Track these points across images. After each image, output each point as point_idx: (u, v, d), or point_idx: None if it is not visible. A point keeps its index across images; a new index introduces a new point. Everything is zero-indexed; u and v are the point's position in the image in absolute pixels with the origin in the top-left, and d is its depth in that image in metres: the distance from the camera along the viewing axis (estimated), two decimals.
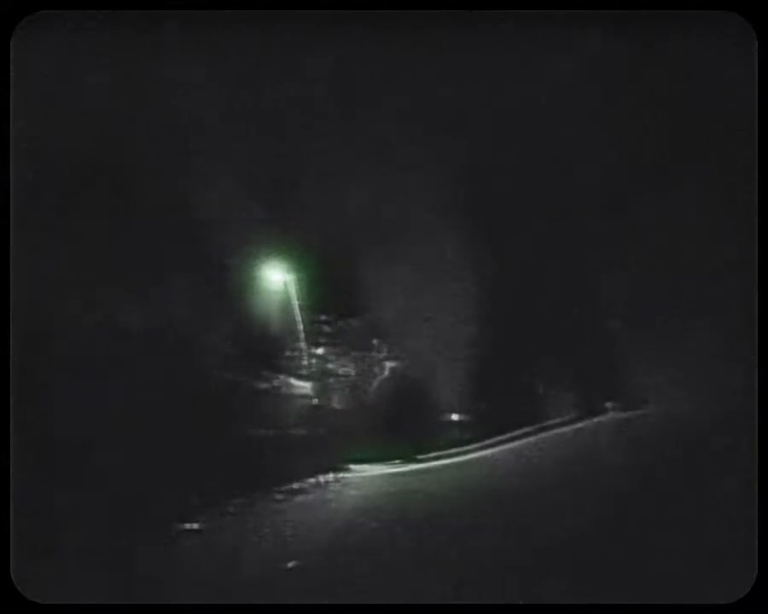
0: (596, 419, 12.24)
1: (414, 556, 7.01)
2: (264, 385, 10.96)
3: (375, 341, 11.64)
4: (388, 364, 11.77)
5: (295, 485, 10.27)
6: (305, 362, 11.57)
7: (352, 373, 11.74)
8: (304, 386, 11.61)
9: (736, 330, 8.44)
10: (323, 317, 11.52)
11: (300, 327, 11.39)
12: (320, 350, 11.65)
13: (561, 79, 9.73)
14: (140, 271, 9.50)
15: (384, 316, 11.56)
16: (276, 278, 11.20)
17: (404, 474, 11.21)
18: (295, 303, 11.31)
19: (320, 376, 11.67)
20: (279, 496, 9.74)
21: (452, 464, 11.42)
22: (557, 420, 12.35)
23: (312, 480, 10.66)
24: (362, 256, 11.12)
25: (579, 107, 9.97)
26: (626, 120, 9.77)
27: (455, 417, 12.11)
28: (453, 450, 11.76)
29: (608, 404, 12.29)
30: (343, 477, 10.98)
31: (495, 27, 8.06)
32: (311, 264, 11.07)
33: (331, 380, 11.72)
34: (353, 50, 8.92)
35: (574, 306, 11.51)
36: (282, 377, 11.30)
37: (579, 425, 12.26)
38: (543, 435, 12.10)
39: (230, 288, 10.56)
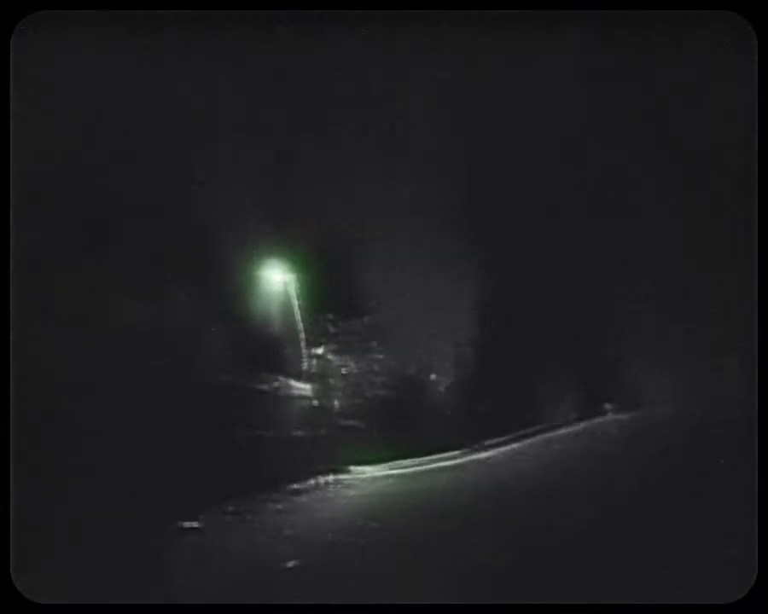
0: (595, 421, 12.22)
1: (414, 556, 7.02)
2: (263, 386, 10.94)
3: (375, 342, 11.60)
4: (389, 365, 11.74)
5: (295, 486, 10.25)
6: (305, 363, 11.54)
7: (353, 373, 11.71)
8: (304, 387, 11.59)
9: (736, 330, 8.44)
10: (324, 317, 11.49)
11: (300, 327, 11.36)
12: (320, 351, 11.62)
13: (559, 80, 9.73)
14: (139, 271, 9.49)
15: (385, 317, 11.53)
16: (276, 278, 11.17)
17: (403, 475, 11.19)
18: (295, 303, 11.29)
19: (320, 377, 11.64)
20: (279, 497, 9.73)
21: (452, 465, 11.40)
22: (557, 421, 12.31)
23: (312, 481, 10.64)
24: (362, 256, 11.10)
25: (578, 107, 9.97)
26: (625, 120, 9.77)
27: (454, 419, 12.07)
28: (453, 452, 11.71)
29: (608, 405, 12.25)
30: (343, 478, 10.96)
31: (491, 27, 8.05)
32: (312, 264, 11.05)
33: (331, 381, 11.68)
34: (355, 50, 8.93)
35: (574, 307, 11.50)
36: (281, 378, 11.28)
37: (579, 426, 12.23)
38: (542, 436, 12.07)
39: (230, 288, 10.54)
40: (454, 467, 11.28)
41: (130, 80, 8.90)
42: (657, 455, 9.32)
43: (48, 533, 6.82)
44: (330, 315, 11.52)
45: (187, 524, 8.17)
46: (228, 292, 10.56)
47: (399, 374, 11.83)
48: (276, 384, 11.16)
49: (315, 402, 11.60)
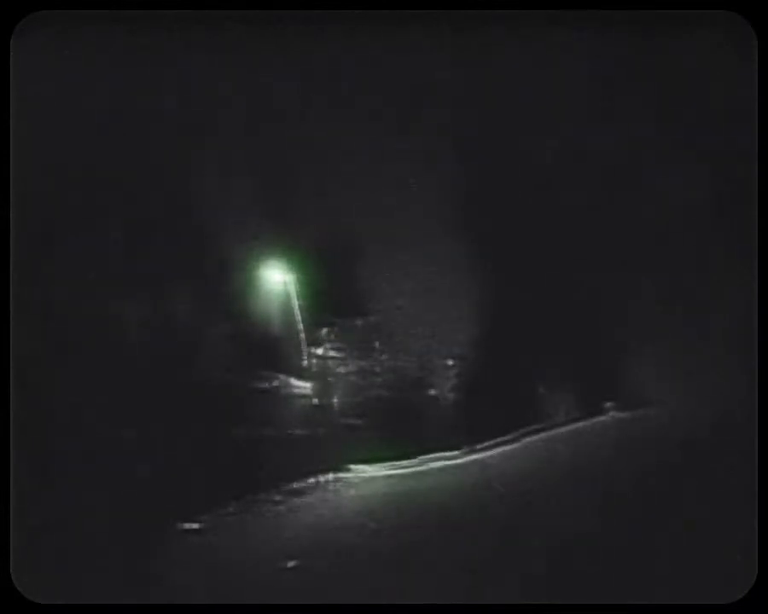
0: (595, 420, 12.21)
1: (413, 556, 7.02)
2: (263, 385, 10.95)
3: (375, 342, 11.60)
4: (389, 364, 11.75)
5: (295, 485, 10.25)
6: (305, 362, 11.55)
7: (353, 372, 11.71)
8: (304, 386, 11.59)
9: (736, 330, 8.44)
10: (324, 317, 11.50)
11: (300, 327, 11.37)
12: (320, 350, 11.63)
13: (558, 80, 9.72)
14: (139, 271, 9.49)
15: (384, 317, 11.54)
16: (276, 278, 11.17)
17: (403, 475, 11.19)
18: (295, 303, 11.29)
19: (320, 376, 11.65)
20: (279, 496, 9.73)
21: (452, 465, 11.39)
22: (557, 420, 12.31)
23: (312, 480, 10.64)
24: (362, 256, 11.11)
25: (578, 107, 9.96)
26: (625, 121, 9.77)
27: (454, 418, 12.07)
28: (453, 451, 11.71)
29: (608, 404, 12.24)
30: (343, 478, 10.95)
31: (491, 27, 8.05)
32: (312, 264, 11.06)
33: (331, 380, 11.69)
34: (353, 50, 8.93)
35: (575, 306, 11.49)
36: (282, 377, 11.28)
37: (579, 425, 12.22)
38: (543, 435, 12.06)
39: (230, 288, 10.55)
40: (454, 467, 11.28)
41: (130, 80, 8.90)
42: (657, 455, 9.31)
43: (48, 533, 6.83)
44: (330, 315, 11.52)
45: (187, 525, 8.18)
46: (228, 292, 10.56)
47: (400, 373, 11.83)
48: (275, 383, 11.16)
49: (315, 401, 11.60)
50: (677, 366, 10.41)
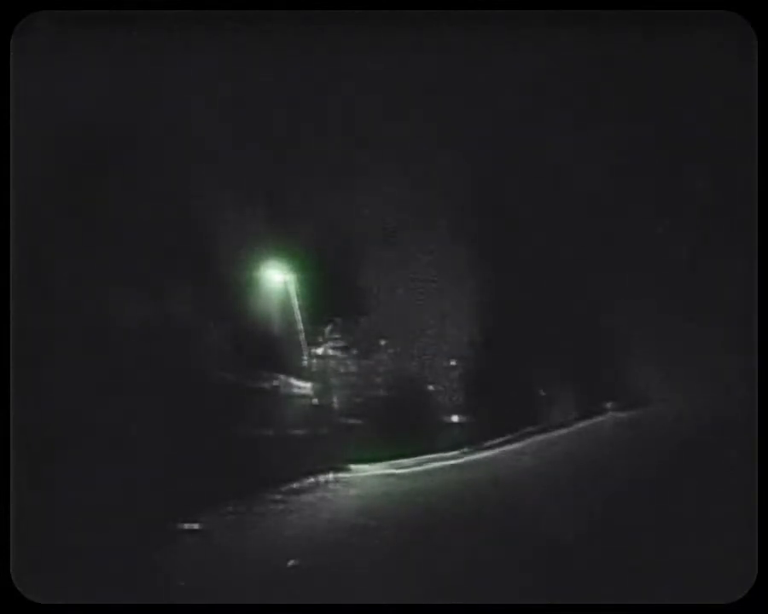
0: (595, 420, 12.24)
1: (414, 556, 7.02)
2: (263, 385, 10.94)
3: (376, 341, 11.61)
4: (390, 363, 11.75)
5: (295, 485, 10.26)
6: (305, 362, 11.54)
7: (353, 372, 11.72)
8: (304, 386, 11.59)
9: (737, 330, 8.45)
10: (324, 317, 11.50)
11: (300, 326, 11.36)
12: (320, 350, 11.63)
13: (557, 81, 9.72)
14: (139, 270, 9.48)
15: (384, 317, 11.54)
16: (276, 278, 11.17)
17: (404, 475, 11.20)
18: (295, 303, 11.29)
19: (320, 376, 11.65)
20: (279, 496, 9.74)
21: (452, 465, 11.41)
22: (557, 421, 12.33)
23: (312, 480, 10.65)
24: (362, 256, 11.11)
25: (577, 108, 9.96)
26: (625, 121, 9.77)
27: (455, 418, 12.09)
28: (453, 451, 11.73)
29: (608, 404, 12.27)
30: (343, 477, 10.97)
31: (487, 28, 8.04)
32: (312, 264, 11.06)
33: (332, 380, 11.69)
34: (353, 51, 8.93)
35: (576, 306, 11.50)
36: (282, 377, 11.28)
37: (579, 425, 12.25)
38: (543, 435, 12.09)
39: (230, 288, 10.54)
40: (454, 467, 11.30)
41: (131, 80, 8.89)
42: (657, 455, 9.33)
43: (48, 533, 6.82)
44: (331, 314, 11.52)
45: (187, 525, 8.18)
46: (227, 291, 10.55)
47: (400, 373, 11.83)
48: (275, 382, 11.16)
49: (315, 401, 11.60)
50: (677, 366, 10.41)
